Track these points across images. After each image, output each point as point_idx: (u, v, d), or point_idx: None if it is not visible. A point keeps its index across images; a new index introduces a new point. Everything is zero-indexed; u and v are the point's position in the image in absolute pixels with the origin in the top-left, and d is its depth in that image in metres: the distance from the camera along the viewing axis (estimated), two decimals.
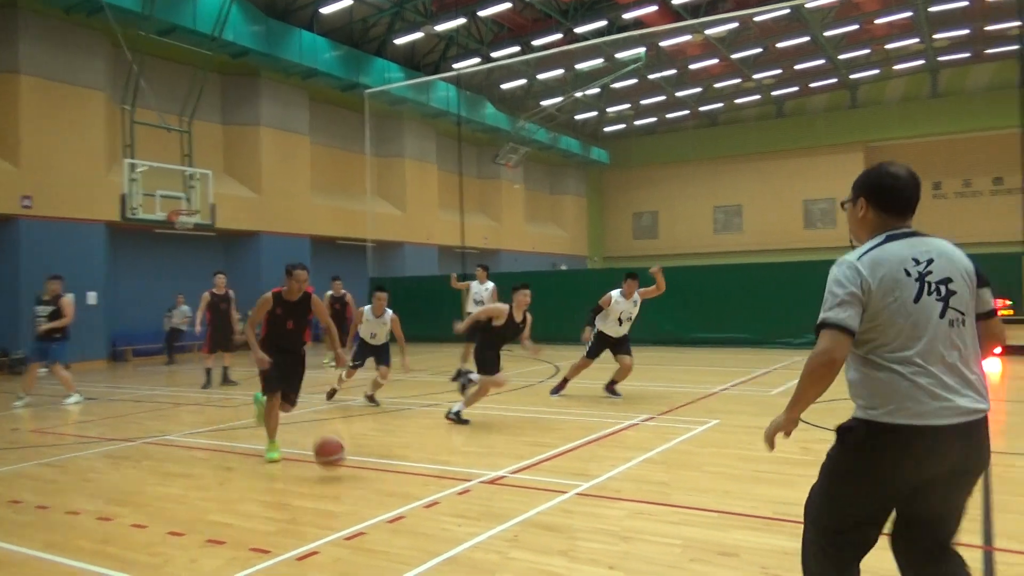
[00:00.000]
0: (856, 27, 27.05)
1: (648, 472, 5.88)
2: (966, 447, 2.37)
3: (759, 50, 28.52)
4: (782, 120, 36.78)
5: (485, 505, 5.00)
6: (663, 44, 26.84)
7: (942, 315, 2.39)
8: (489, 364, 8.10)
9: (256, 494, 5.51)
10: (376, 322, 9.56)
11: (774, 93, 34.76)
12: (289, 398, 6.73)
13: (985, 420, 2.41)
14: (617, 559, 3.97)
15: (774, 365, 13.51)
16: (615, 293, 9.67)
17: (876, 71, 33.04)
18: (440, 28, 24.38)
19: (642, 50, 25.18)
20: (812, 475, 5.63)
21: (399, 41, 24.91)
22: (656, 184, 39.04)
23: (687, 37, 26.15)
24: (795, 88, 34.33)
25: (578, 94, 28.89)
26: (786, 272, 17.41)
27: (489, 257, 29.56)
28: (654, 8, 23.23)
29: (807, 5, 21.63)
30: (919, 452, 2.35)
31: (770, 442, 2.76)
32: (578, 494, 5.21)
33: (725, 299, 17.49)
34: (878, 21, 26.65)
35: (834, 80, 33.51)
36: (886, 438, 2.37)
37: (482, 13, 23.63)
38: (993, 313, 2.59)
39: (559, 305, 19.45)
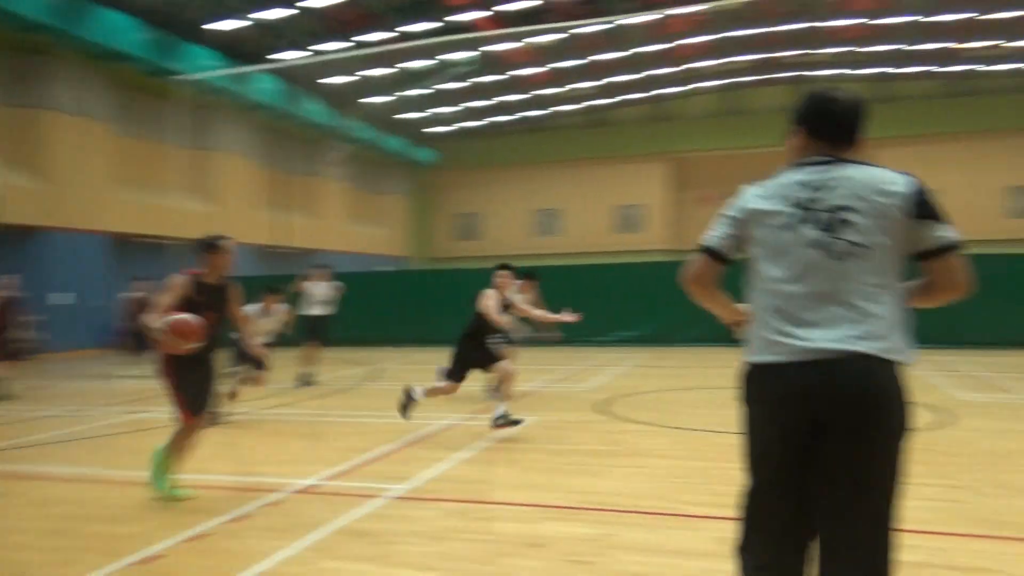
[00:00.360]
0: (667, 46, 29.08)
1: (465, 471, 5.98)
2: (825, 390, 2.11)
3: (582, 61, 29.87)
4: (598, 129, 38.69)
5: (295, 516, 4.84)
6: (491, 49, 27.37)
7: (821, 246, 2.18)
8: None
9: (31, 521, 4.95)
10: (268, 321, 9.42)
11: (591, 103, 36.53)
12: (204, 419, 5.38)
13: (867, 365, 2.10)
14: (432, 560, 4.00)
15: (587, 363, 14.20)
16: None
17: (681, 88, 35.73)
18: (260, 16, 23.25)
19: (476, 53, 25.52)
20: (618, 464, 6.05)
21: (217, 27, 23.47)
22: (480, 186, 39.69)
23: (516, 44, 26.83)
24: (610, 100, 36.27)
25: (405, 93, 28.73)
26: (598, 274, 18.40)
27: (311, 257, 28.64)
28: (485, 13, 23.63)
29: (621, 22, 23.01)
30: (770, 393, 2.20)
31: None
32: (394, 498, 5.19)
33: (545, 300, 18.11)
34: (685, 42, 28.84)
35: (644, 94, 35.79)
36: (749, 376, 2.29)
37: (308, 4, 22.83)
38: (940, 251, 2.18)
39: (381, 306, 19.23)
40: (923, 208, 2.17)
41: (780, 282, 2.23)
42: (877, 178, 2.20)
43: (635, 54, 29.05)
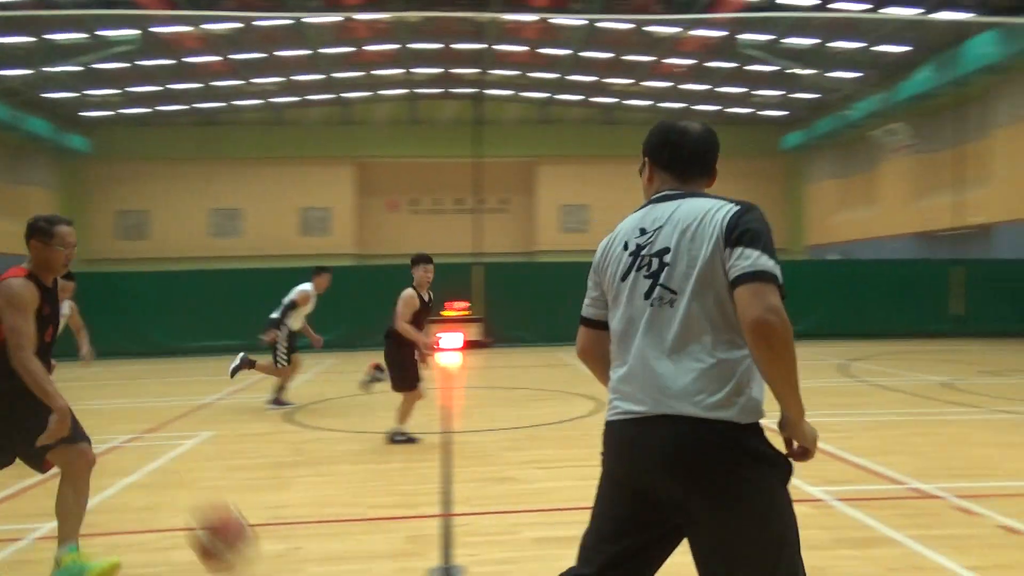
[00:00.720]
0: (351, 50, 29.07)
1: (130, 498, 5.33)
2: (637, 456, 1.97)
3: (263, 55, 28.51)
4: (281, 128, 37.35)
5: None
6: (159, 31, 24.84)
7: (647, 295, 2.01)
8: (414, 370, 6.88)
9: None
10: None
11: (274, 100, 35.12)
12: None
13: (674, 428, 1.90)
14: None
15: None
16: (308, 287, 9.08)
17: (366, 93, 36.03)
18: None
19: (137, 32, 22.89)
20: (305, 475, 5.87)
21: None
22: (148, 181, 35.84)
23: (187, 28, 24.68)
24: (295, 98, 35.23)
25: (51, 69, 24.83)
26: (283, 278, 17.71)
27: None
28: None
29: (306, 20, 22.47)
30: (610, 452, 2.10)
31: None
32: (38, 538, 4.44)
33: (223, 305, 16.97)
34: (369, 48, 29.11)
35: (330, 96, 35.40)
36: (604, 434, 2.14)
37: None
38: (744, 279, 1.87)
39: None
40: (734, 235, 1.91)
41: (617, 336, 2.10)
42: (696, 212, 1.99)
43: (319, 54, 28.59)
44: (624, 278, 2.07)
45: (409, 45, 28.89)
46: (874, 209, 34.12)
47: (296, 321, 9.12)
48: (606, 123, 41.12)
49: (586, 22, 26.13)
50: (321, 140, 37.28)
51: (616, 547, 2.03)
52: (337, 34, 27.28)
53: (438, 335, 16.62)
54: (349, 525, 4.61)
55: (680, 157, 2.18)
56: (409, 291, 6.82)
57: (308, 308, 9.17)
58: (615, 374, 2.09)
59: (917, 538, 4.10)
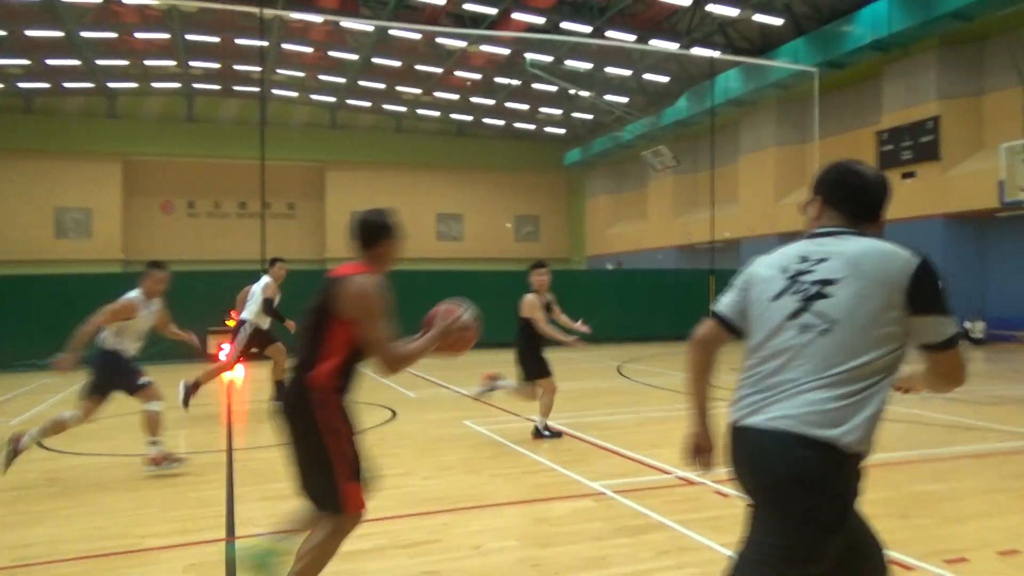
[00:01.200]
0: (115, 35, 26.43)
1: None
2: (755, 467, 2.13)
3: (2, 32, 25.04)
4: (32, 116, 33.08)
5: None
6: None
7: (793, 316, 2.12)
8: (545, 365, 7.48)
9: None
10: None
11: (22, 85, 31.02)
12: None
13: (802, 454, 2.00)
14: None
15: (17, 390, 11.99)
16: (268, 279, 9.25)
17: (134, 84, 32.96)
18: None
19: None
20: (60, 507, 5.23)
21: None
22: None
23: None
24: (47, 84, 31.36)
25: None
26: (33, 286, 15.74)
27: None
28: None
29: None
30: (736, 457, 2.20)
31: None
32: None
33: None
34: (137, 35, 26.65)
35: (91, 84, 31.93)
36: (729, 437, 2.22)
37: None
38: (939, 347, 2.07)
39: None
40: (923, 301, 2.03)
41: (755, 350, 2.24)
42: (877, 255, 2.08)
43: (78, 38, 25.70)
44: (776, 298, 2.18)
45: (185, 36, 26.85)
46: (644, 223, 37.23)
47: (262, 319, 9.15)
48: (397, 131, 41.10)
49: (375, 28, 25.94)
50: (81, 133, 33.50)
51: None
52: (98, 16, 24.72)
53: (221, 346, 15.61)
54: (118, 560, 4.17)
55: (854, 198, 2.26)
56: (531, 296, 7.48)
57: (276, 299, 9.27)
58: (749, 378, 2.21)
59: (683, 522, 4.53)
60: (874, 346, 2.02)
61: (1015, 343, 19.21)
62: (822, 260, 2.14)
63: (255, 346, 9.24)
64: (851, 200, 2.26)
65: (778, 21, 25.23)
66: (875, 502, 4.97)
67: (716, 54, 24.54)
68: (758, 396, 2.13)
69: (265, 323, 9.21)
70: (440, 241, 42.25)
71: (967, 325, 19.40)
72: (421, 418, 8.61)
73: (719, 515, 4.69)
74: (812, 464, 1.98)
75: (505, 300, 19.11)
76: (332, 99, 37.08)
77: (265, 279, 9.30)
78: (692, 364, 2.46)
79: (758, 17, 24.71)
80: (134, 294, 6.27)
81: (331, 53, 29.96)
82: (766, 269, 2.28)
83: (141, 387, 6.15)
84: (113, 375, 6.10)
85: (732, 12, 24.09)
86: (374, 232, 3.35)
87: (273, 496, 5.31)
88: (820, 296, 2.09)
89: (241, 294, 9.56)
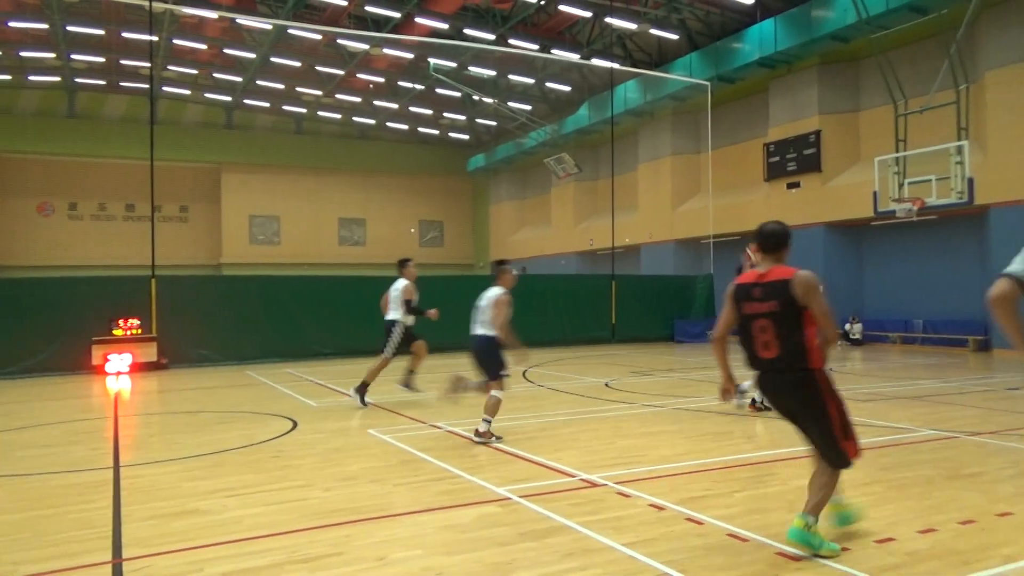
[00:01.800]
0: None
1: None
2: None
3: None
4: None
5: None
6: None
7: None
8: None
9: None
10: None
11: None
12: None
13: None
14: None
15: None
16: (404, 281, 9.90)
17: (8, 77, 30.76)
18: None
19: None
20: None
21: None
22: None
23: None
24: None
25: None
26: None
27: None
28: None
29: None
30: None
31: None
32: None
33: None
34: (12, 24, 24.89)
35: None
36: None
37: None
38: None
39: None
40: None
41: None
42: None
43: None
44: None
45: (66, 27, 25.27)
46: (547, 229, 37.75)
47: (407, 317, 9.98)
48: (298, 133, 40.09)
49: (273, 27, 25.22)
50: None
51: None
52: None
53: (107, 356, 14.76)
54: None
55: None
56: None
57: (416, 298, 10.03)
58: None
59: (586, 523, 4.61)
60: None
61: (888, 343, 20.61)
62: None
63: (406, 343, 10.08)
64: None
65: (674, 36, 26.19)
66: (762, 496, 5.22)
67: (616, 65, 25.22)
68: None
69: (410, 321, 10.03)
70: (342, 246, 41.46)
71: (847, 327, 20.67)
72: (323, 428, 8.41)
73: (621, 515, 4.80)
74: None
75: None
76: (228, 98, 35.78)
77: (402, 281, 9.98)
78: (1003, 320, 2.99)
79: (655, 31, 25.58)
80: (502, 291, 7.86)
81: (227, 51, 28.92)
82: None
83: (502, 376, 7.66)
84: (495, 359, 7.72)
85: (631, 26, 24.83)
86: (784, 239, 4.41)
87: (164, 514, 5.05)
88: None
89: (383, 300, 10.33)
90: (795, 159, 22.80)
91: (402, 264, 10.27)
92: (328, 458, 6.77)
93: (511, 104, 33.51)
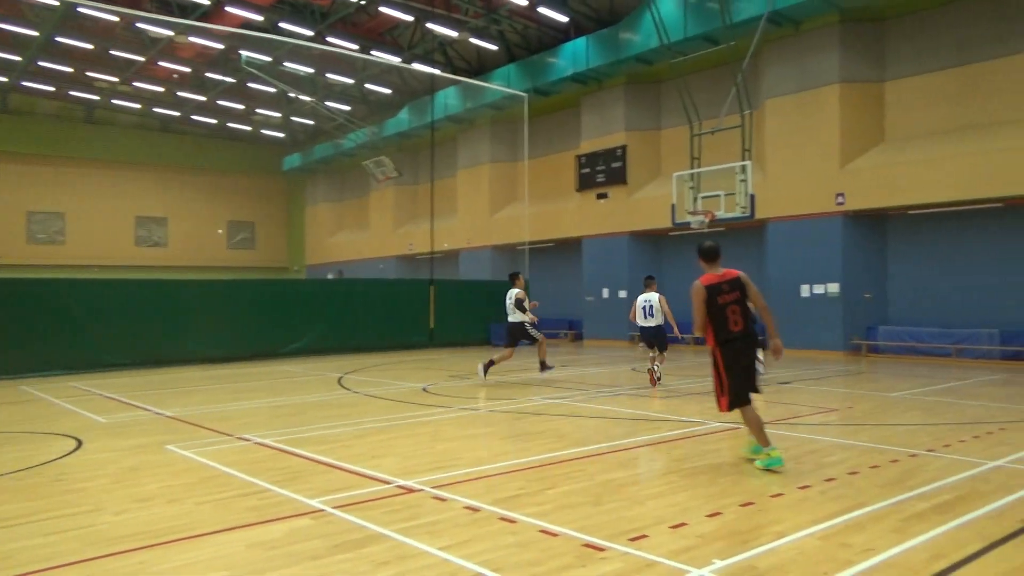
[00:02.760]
0: None
1: None
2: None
3: None
4: None
5: None
6: None
7: None
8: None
9: None
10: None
11: None
12: None
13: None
14: None
15: None
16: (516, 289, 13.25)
17: None
18: None
19: None
20: None
21: None
22: None
23: None
24: None
25: None
26: None
27: None
28: None
29: None
30: None
31: None
32: None
33: None
34: None
35: None
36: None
37: None
38: None
39: None
40: None
41: None
42: None
43: None
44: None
45: None
46: (366, 232, 37.19)
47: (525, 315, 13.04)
48: (88, 122, 36.52)
49: (60, 3, 22.79)
50: None
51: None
52: None
53: None
54: None
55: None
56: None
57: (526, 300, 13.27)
58: None
59: (402, 531, 4.59)
60: None
61: (683, 345, 22.39)
62: None
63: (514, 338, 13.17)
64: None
65: (493, 47, 26.84)
66: (572, 492, 5.47)
67: (437, 71, 25.41)
68: None
69: (528, 318, 13.08)
70: (140, 247, 38.31)
71: None
72: (114, 446, 7.69)
73: (437, 520, 4.83)
74: None
75: (217, 310, 17.91)
76: (3, 79, 31.81)
77: (514, 291, 13.18)
78: None
79: (475, 41, 26.07)
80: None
81: (3, 26, 25.70)
82: None
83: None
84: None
85: (452, 33, 25.11)
86: (719, 251, 6.64)
87: None
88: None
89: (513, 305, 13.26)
90: (604, 171, 24.18)
91: (513, 276, 13.40)
92: (120, 479, 6.20)
93: (329, 104, 32.65)
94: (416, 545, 4.33)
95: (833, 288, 18.61)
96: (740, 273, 6.37)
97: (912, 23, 18.23)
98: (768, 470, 6.07)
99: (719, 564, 3.96)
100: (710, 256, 6.50)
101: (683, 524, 4.69)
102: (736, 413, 6.35)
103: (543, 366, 13.15)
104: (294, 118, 37.19)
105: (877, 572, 3.86)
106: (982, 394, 11.19)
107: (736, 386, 6.19)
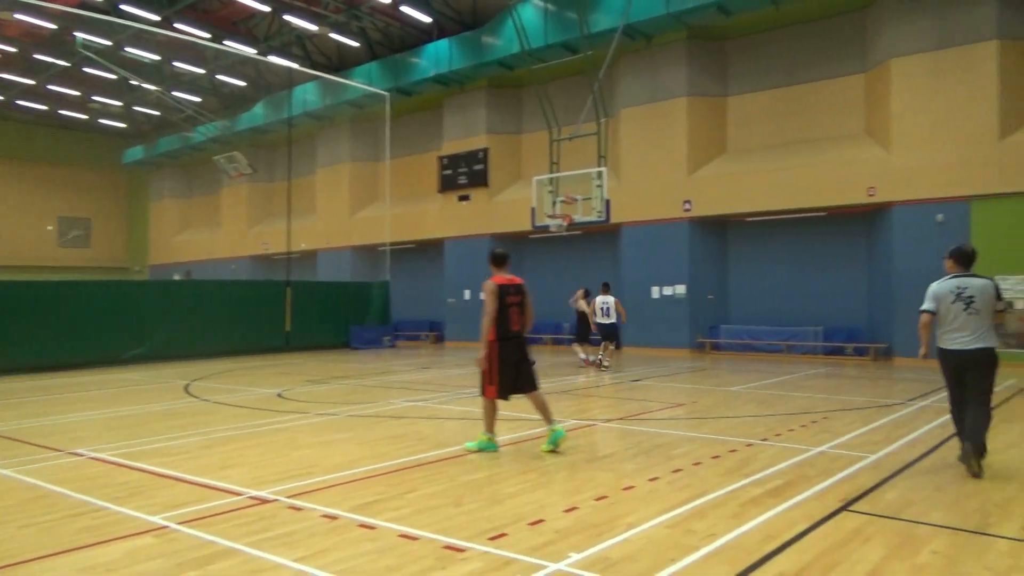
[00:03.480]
0: None
1: None
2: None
3: None
4: None
5: None
6: None
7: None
8: None
9: None
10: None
11: None
12: None
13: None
14: None
15: None
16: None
17: None
18: None
19: None
20: None
21: None
22: None
23: None
24: None
25: None
26: None
27: None
28: None
29: None
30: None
31: None
32: None
33: None
34: None
35: None
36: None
37: None
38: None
39: None
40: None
41: None
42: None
43: None
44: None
45: None
46: (217, 231, 35.36)
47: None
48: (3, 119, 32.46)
49: None
50: None
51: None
52: None
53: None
54: None
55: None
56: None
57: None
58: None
59: (254, 543, 4.39)
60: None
61: (541, 345, 22.90)
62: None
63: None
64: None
65: (354, 43, 26.31)
66: (432, 495, 5.47)
67: (295, 66, 24.56)
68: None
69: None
70: None
71: None
72: None
73: (293, 530, 4.66)
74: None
75: (46, 314, 16.37)
76: None
77: (612, 298, 15.37)
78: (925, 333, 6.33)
79: (335, 36, 25.44)
80: None
81: None
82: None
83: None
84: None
85: (311, 27, 24.36)
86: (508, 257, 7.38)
87: None
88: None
89: (591, 308, 15.73)
90: (466, 173, 24.32)
91: (606, 286, 15.66)
92: None
93: (177, 94, 30.76)
94: (269, 558, 4.17)
95: (680, 290, 19.72)
96: (523, 281, 7.21)
97: (750, 44, 19.67)
98: (480, 451, 7.00)
99: (575, 557, 4.09)
100: (501, 261, 7.19)
101: (541, 520, 4.80)
102: (615, 413, 6.57)
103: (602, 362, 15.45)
104: (137, 108, 34.74)
105: (717, 555, 4.13)
106: (809, 386, 12.24)
107: (504, 378, 6.89)
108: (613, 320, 15.32)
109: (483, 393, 6.99)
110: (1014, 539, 4.42)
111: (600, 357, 15.34)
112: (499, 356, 6.84)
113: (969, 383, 6.10)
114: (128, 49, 26.58)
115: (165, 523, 4.85)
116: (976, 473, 5.88)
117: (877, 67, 17.35)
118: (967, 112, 15.71)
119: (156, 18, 23.54)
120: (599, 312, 15.35)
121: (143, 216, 40.41)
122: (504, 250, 7.33)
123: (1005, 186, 15.32)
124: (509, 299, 6.93)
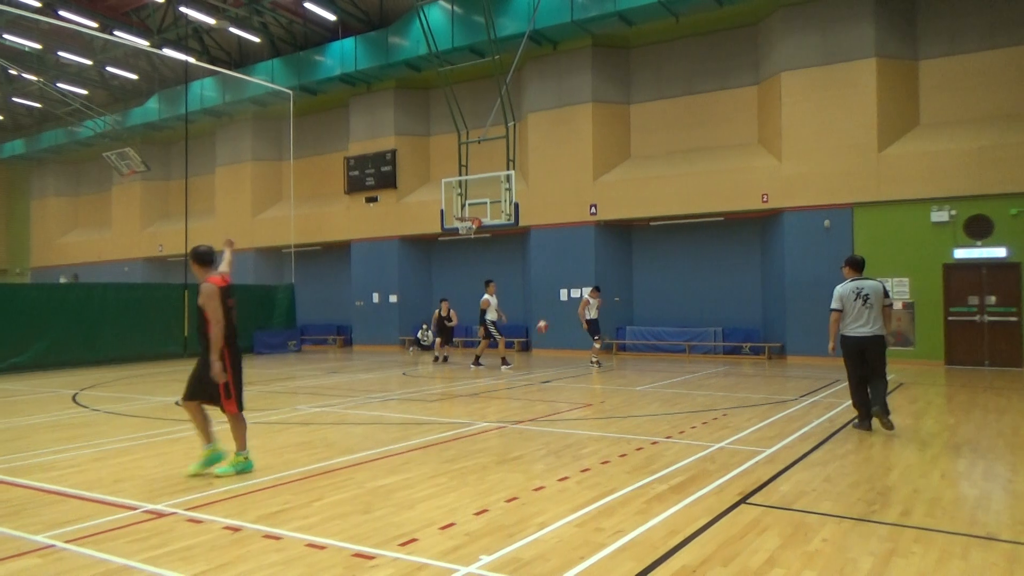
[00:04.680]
0: None
1: None
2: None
3: None
4: None
5: None
6: None
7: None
8: None
9: None
10: None
11: None
12: None
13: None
14: None
15: None
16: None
17: None
18: None
19: None
20: None
21: None
22: None
23: None
24: None
25: None
26: None
27: None
28: None
29: None
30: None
31: None
32: None
33: None
34: None
35: None
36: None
37: None
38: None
39: None
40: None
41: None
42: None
43: None
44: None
45: None
46: (107, 231, 33.53)
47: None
48: None
49: None
50: None
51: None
52: None
53: None
54: None
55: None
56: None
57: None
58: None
59: (150, 560, 4.19)
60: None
61: (457, 346, 22.86)
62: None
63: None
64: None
65: (255, 39, 25.50)
66: (340, 502, 5.37)
67: (191, 59, 23.56)
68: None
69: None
70: None
71: (419, 334, 22.37)
72: None
73: (192, 544, 4.47)
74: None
75: None
76: None
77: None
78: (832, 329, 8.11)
79: (235, 31, 24.59)
80: None
81: None
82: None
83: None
84: None
85: (208, 20, 23.45)
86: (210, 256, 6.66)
87: None
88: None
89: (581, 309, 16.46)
90: (374, 175, 23.99)
91: (596, 288, 16.77)
92: None
93: (61, 86, 28.96)
94: (168, 574, 3.98)
95: (588, 292, 20.11)
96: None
97: (652, 54, 20.29)
98: (239, 473, 6.39)
99: (486, 560, 4.11)
100: (206, 260, 6.62)
101: (452, 524, 4.79)
102: (526, 414, 6.59)
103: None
104: (16, 99, 32.49)
105: (624, 551, 4.24)
106: (709, 385, 12.73)
107: (240, 388, 6.54)
108: (593, 316, 16.48)
109: (224, 409, 6.49)
110: (894, 524, 4.74)
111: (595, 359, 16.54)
112: (232, 365, 6.44)
113: (869, 360, 7.90)
114: (6, 36, 24.84)
115: (51, 542, 4.56)
116: (889, 426, 7.68)
117: (768, 80, 18.25)
118: (850, 124, 16.75)
119: (38, 4, 22.11)
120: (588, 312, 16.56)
121: (23, 214, 37.83)
122: (208, 247, 6.67)
123: (883, 195, 16.42)
124: (229, 302, 6.51)
